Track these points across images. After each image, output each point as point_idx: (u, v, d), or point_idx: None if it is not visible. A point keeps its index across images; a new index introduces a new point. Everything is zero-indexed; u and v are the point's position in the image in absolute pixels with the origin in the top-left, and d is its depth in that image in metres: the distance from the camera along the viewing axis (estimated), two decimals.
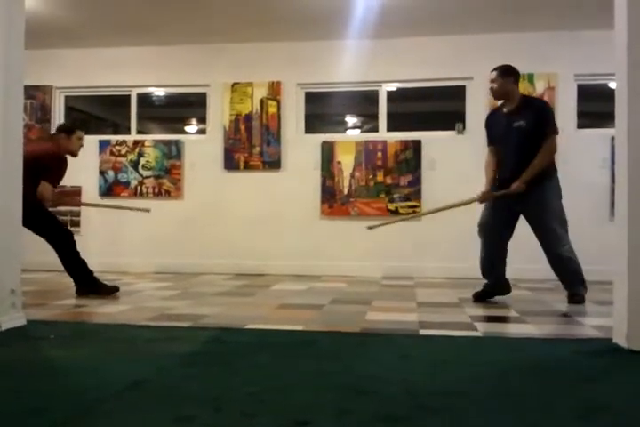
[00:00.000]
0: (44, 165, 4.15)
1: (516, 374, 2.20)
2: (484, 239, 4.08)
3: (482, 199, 4.01)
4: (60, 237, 4.34)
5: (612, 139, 4.58)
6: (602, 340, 2.80)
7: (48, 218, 4.37)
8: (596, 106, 6.20)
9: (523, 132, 3.89)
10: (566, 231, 3.97)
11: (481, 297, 4.11)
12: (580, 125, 5.94)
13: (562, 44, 5.80)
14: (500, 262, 4.10)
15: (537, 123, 3.87)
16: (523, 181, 3.86)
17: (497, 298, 4.16)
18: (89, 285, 4.32)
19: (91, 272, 4.35)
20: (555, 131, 3.94)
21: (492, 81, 4.01)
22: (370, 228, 4.45)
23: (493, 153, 4.11)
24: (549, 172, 3.96)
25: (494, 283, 4.11)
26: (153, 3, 5.23)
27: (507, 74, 3.99)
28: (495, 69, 4.03)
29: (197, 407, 1.77)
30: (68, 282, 4.99)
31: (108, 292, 4.34)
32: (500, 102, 4.19)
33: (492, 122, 4.16)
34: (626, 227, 2.65)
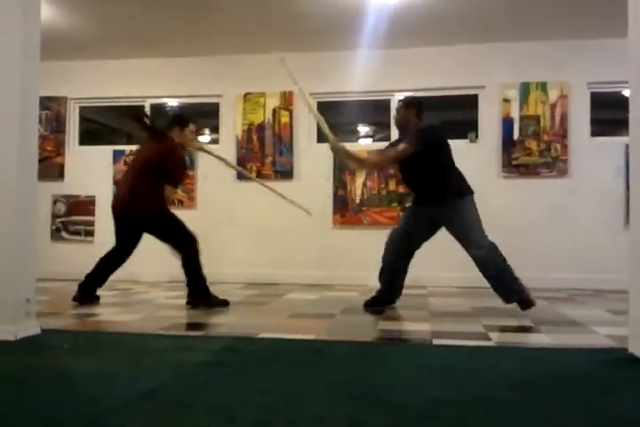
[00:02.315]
0: (163, 169, 4.14)
1: (530, 385, 2.18)
2: (392, 251, 4.21)
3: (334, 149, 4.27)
4: (185, 245, 4.30)
5: (627, 146, 4.57)
6: (617, 350, 2.77)
7: (173, 225, 4.31)
8: (609, 114, 6.17)
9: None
10: (484, 237, 3.92)
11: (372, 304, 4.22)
12: (594, 133, 5.91)
13: (575, 53, 5.78)
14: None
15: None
16: (365, 162, 4.35)
17: (508, 307, 4.12)
18: (202, 296, 4.27)
19: (207, 286, 4.31)
20: (409, 141, 3.90)
21: (397, 111, 4.23)
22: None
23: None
24: (457, 192, 3.98)
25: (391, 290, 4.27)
26: (166, 15, 5.28)
27: (409, 105, 4.16)
28: (400, 101, 4.29)
29: (211, 417, 1.77)
30: None
31: (220, 304, 4.28)
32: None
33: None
34: None
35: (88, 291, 4.38)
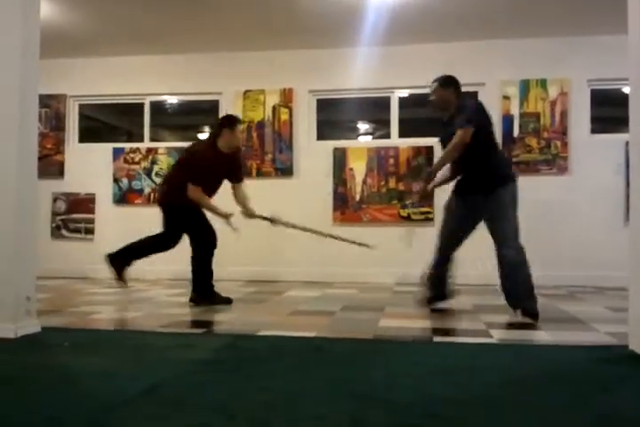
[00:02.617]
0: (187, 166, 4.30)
1: (531, 382, 2.18)
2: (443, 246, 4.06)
3: (421, 198, 4.32)
4: (199, 243, 4.36)
5: (627, 144, 4.56)
6: (617, 347, 2.77)
7: (193, 222, 4.38)
8: (609, 111, 6.17)
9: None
10: (516, 237, 3.74)
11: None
12: (594, 131, 5.91)
13: (575, 50, 5.77)
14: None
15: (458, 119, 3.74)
16: (434, 167, 3.94)
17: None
18: (205, 294, 4.32)
19: (212, 284, 4.38)
20: (464, 123, 3.67)
21: (433, 93, 3.94)
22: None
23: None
24: (502, 180, 3.78)
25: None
26: (165, 12, 5.27)
27: (446, 84, 3.92)
28: (435, 81, 3.96)
29: (211, 415, 1.77)
30: (83, 289, 5.03)
31: (223, 302, 4.30)
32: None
33: (440, 134, 4.06)
34: None
35: (202, 290, 4.36)
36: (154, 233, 4.47)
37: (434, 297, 4.07)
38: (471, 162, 3.79)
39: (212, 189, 4.36)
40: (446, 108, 3.93)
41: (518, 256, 3.64)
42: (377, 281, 5.83)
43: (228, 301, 4.32)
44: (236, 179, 4.53)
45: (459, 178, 4.00)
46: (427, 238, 5.95)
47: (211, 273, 4.37)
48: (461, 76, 6.06)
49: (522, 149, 5.85)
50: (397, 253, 5.92)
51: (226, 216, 4.32)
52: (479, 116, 3.75)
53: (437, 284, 4.05)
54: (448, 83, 3.93)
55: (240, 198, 4.53)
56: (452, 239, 4.01)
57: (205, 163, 4.21)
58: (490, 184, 3.75)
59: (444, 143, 3.93)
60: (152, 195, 6.44)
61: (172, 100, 6.88)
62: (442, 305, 4.06)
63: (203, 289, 4.32)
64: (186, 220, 4.36)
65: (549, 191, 5.79)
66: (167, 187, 4.47)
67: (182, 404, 1.89)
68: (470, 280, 5.63)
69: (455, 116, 3.79)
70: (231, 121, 4.34)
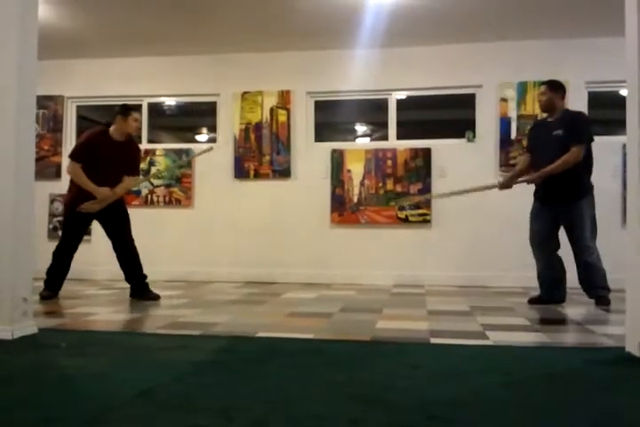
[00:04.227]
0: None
1: (529, 384, 2.18)
2: (540, 253, 4.29)
3: (502, 186, 4.38)
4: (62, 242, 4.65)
5: (624, 146, 4.57)
6: (614, 349, 2.77)
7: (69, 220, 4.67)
8: (607, 113, 6.17)
9: (559, 141, 4.09)
10: (594, 242, 4.17)
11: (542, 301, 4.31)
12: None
13: (572, 52, 5.78)
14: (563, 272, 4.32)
15: (571, 131, 4.08)
16: (540, 174, 4.13)
17: (506, 306, 4.13)
18: (142, 289, 4.63)
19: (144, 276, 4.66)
20: (579, 140, 4.08)
21: (542, 94, 4.27)
22: (397, 204, 4.74)
23: (528, 159, 4.42)
24: (585, 191, 4.18)
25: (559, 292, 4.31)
26: (163, 13, 5.27)
27: (556, 88, 4.24)
28: (544, 83, 4.30)
29: (208, 416, 1.77)
30: (79, 290, 5.02)
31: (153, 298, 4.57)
32: (545, 114, 4.48)
33: (536, 131, 4.42)
34: (638, 234, 2.63)
35: (139, 284, 4.67)
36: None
37: (544, 299, 4.29)
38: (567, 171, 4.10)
39: (100, 176, 4.47)
40: (551, 109, 4.27)
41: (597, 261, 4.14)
42: (375, 283, 5.82)
43: (156, 297, 4.57)
44: (131, 171, 4.67)
45: (542, 186, 4.26)
46: (425, 240, 6.00)
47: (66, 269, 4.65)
48: (459, 78, 6.11)
49: (519, 151, 5.85)
50: (395, 254, 5.93)
51: (105, 194, 4.50)
52: (591, 134, 4.15)
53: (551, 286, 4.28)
54: (557, 87, 4.27)
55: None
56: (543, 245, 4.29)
57: (90, 142, 4.47)
58: (574, 195, 4.13)
59: (542, 143, 4.25)
60: (149, 196, 6.44)
61: (170, 101, 6.88)
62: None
63: (140, 284, 4.64)
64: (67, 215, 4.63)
65: None
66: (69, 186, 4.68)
67: (180, 406, 1.88)
68: (467, 282, 5.64)
69: (562, 122, 4.13)
70: (125, 109, 4.58)
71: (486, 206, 5.67)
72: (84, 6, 5.19)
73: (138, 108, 6.60)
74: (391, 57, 6.05)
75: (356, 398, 1.95)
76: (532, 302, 4.31)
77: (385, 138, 6.36)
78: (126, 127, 4.54)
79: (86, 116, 7.09)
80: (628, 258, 2.72)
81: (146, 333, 3.24)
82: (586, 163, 4.16)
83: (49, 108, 6.61)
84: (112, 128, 4.55)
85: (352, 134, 7.54)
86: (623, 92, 5.29)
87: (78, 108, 6.85)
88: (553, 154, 4.10)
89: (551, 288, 4.27)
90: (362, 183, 6.12)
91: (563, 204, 4.15)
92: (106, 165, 4.46)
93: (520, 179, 4.36)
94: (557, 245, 4.27)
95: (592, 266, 4.10)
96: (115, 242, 4.59)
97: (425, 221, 5.91)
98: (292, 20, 5.37)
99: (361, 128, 7.61)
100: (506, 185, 4.40)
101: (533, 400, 1.97)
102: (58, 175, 6.57)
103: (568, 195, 4.13)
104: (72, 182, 4.58)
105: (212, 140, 6.76)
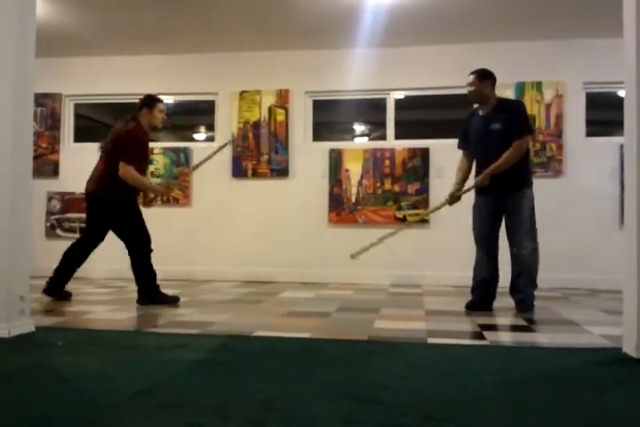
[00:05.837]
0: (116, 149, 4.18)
1: (525, 384, 2.19)
2: (482, 247, 4.16)
3: (451, 201, 4.16)
4: (135, 243, 4.27)
5: (621, 147, 4.57)
6: (611, 349, 2.78)
7: (128, 220, 4.29)
8: (604, 114, 6.19)
9: (499, 135, 3.92)
10: (533, 237, 4.07)
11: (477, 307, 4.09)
12: (589, 134, 5.93)
13: (570, 53, 5.79)
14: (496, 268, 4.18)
15: (511, 124, 3.90)
16: (485, 176, 3.95)
17: (503, 307, 4.13)
18: (151, 294, 4.26)
19: (157, 284, 4.31)
20: (525, 131, 3.93)
21: (470, 84, 4.07)
22: (352, 257, 4.50)
23: (466, 157, 4.22)
24: (528, 181, 4.03)
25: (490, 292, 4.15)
26: (161, 12, 5.27)
27: (484, 77, 4.04)
28: (472, 73, 4.09)
29: (205, 415, 1.77)
30: (76, 288, 5.02)
31: (170, 301, 4.27)
32: (475, 105, 4.23)
33: (471, 127, 4.16)
34: (635, 235, 2.64)
35: (147, 290, 4.29)
36: (72, 245, 4.41)
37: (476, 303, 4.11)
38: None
39: (142, 171, 4.31)
40: (483, 100, 4.06)
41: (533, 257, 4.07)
42: (372, 282, 5.83)
43: (175, 300, 4.28)
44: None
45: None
46: (422, 240, 5.99)
47: (153, 273, 4.29)
48: (457, 78, 6.09)
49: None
50: (393, 254, 5.93)
51: (167, 186, 4.50)
52: (530, 123, 4.02)
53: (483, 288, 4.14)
54: (485, 75, 4.05)
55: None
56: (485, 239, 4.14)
57: (140, 142, 4.24)
58: (518, 184, 3.95)
59: (478, 139, 4.05)
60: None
61: (168, 100, 6.86)
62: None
63: (148, 290, 4.26)
64: (118, 216, 4.28)
65: (544, 194, 5.77)
66: (97, 174, 4.33)
67: (177, 404, 1.88)
68: (464, 282, 5.64)
69: (499, 114, 3.94)
70: (150, 100, 4.37)
71: None
72: (82, 4, 5.19)
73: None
74: (390, 57, 6.05)
75: (352, 398, 1.95)
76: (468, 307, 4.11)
77: (383, 138, 6.37)
78: (153, 120, 4.35)
79: (84, 114, 7.08)
80: (625, 259, 2.72)
81: (144, 331, 3.24)
82: (527, 153, 4.02)
83: (47, 106, 6.59)
84: (141, 121, 4.32)
85: (350, 134, 7.55)
86: (621, 93, 5.29)
87: (76, 105, 6.83)
88: (494, 150, 3.91)
89: (475, 288, 4.14)
90: (360, 183, 6.12)
91: (505, 192, 3.96)
92: (145, 159, 4.42)
93: (465, 187, 4.13)
94: (497, 246, 4.14)
95: (521, 261, 4.01)
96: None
97: (423, 220, 5.91)
98: (291, 19, 5.37)
99: (359, 128, 7.61)
100: (455, 198, 4.14)
101: (530, 401, 1.98)
102: (55, 173, 6.56)
103: (510, 184, 3.93)
104: (111, 181, 4.20)
105: (211, 139, 6.75)
